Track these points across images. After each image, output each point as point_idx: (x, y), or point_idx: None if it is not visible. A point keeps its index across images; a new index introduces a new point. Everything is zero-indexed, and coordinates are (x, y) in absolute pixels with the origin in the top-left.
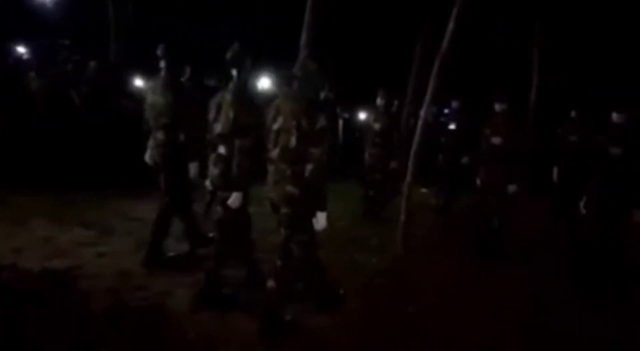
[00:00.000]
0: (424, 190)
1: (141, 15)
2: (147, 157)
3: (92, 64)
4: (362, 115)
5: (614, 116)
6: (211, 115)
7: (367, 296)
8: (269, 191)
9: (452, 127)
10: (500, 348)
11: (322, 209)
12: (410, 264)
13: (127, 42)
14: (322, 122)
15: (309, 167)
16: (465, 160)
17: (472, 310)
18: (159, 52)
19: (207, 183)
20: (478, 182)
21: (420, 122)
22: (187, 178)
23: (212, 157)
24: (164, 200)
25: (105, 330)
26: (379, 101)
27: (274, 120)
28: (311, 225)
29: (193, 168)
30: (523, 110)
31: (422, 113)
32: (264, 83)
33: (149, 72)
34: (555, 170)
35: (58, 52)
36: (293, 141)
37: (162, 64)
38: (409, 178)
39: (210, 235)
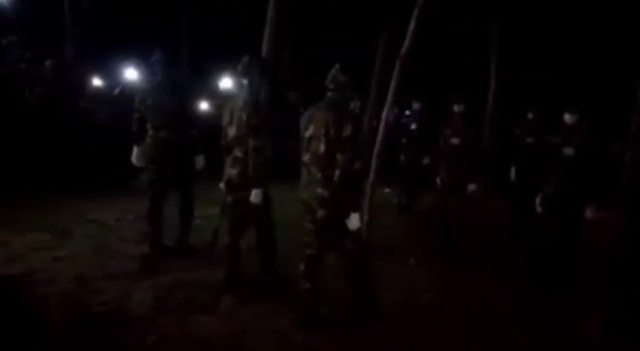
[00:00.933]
0: (386, 190)
1: (97, 13)
2: (135, 158)
3: (48, 63)
4: None
5: (566, 117)
6: (225, 120)
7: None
8: (302, 192)
9: (413, 127)
10: (466, 345)
11: (355, 210)
12: (372, 264)
13: (83, 40)
14: (348, 130)
15: (337, 172)
16: (426, 160)
17: (436, 308)
18: (154, 57)
19: (222, 185)
20: (438, 181)
21: (382, 123)
22: (193, 171)
23: (229, 159)
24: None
25: (62, 336)
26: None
27: (306, 128)
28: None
29: (200, 161)
30: (481, 111)
31: (384, 114)
32: (225, 83)
33: (105, 71)
34: (513, 170)
35: (8, 49)
36: (322, 147)
37: (157, 67)
38: (371, 178)
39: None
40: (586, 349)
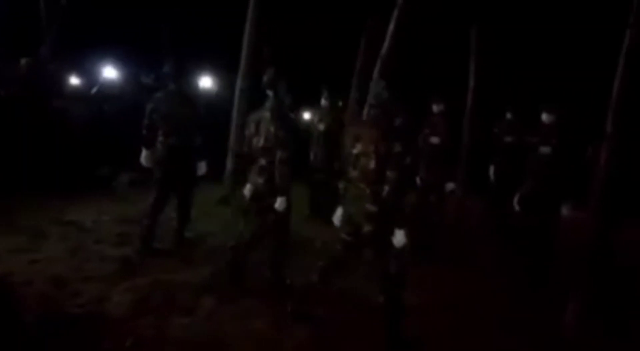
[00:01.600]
0: None
1: (74, 11)
2: (144, 160)
3: (23, 61)
4: (306, 115)
5: (544, 116)
6: (250, 130)
7: (313, 294)
8: (346, 206)
9: None
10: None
11: (401, 227)
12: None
13: (59, 38)
14: (398, 147)
15: (386, 188)
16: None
17: (419, 306)
18: (165, 69)
19: (246, 192)
20: (418, 180)
21: None
22: (195, 175)
23: (254, 168)
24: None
25: (40, 338)
26: (323, 101)
27: (354, 145)
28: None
29: (203, 167)
30: (461, 111)
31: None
32: (205, 82)
33: (83, 70)
34: (491, 169)
35: None
36: (372, 164)
37: (169, 78)
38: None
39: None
40: (561, 344)
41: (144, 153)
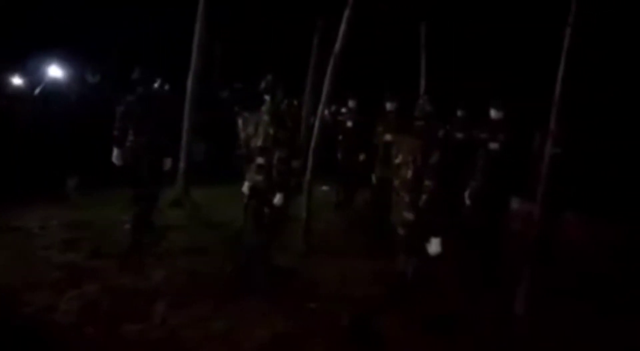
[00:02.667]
0: (324, 187)
1: (15, 8)
2: (115, 158)
3: None
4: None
5: (492, 113)
6: (249, 131)
7: (269, 296)
8: (391, 215)
9: (349, 125)
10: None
11: (436, 235)
12: (313, 261)
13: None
14: (435, 157)
15: (423, 197)
16: (362, 157)
17: (377, 303)
18: (136, 74)
19: (244, 188)
20: (373, 178)
21: (317, 121)
22: (162, 171)
23: (252, 166)
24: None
25: None
26: None
27: (396, 156)
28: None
29: (168, 162)
30: (413, 108)
31: (319, 112)
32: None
33: (26, 70)
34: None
35: None
36: (410, 174)
37: (139, 82)
38: (309, 176)
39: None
40: (512, 324)
41: (115, 152)
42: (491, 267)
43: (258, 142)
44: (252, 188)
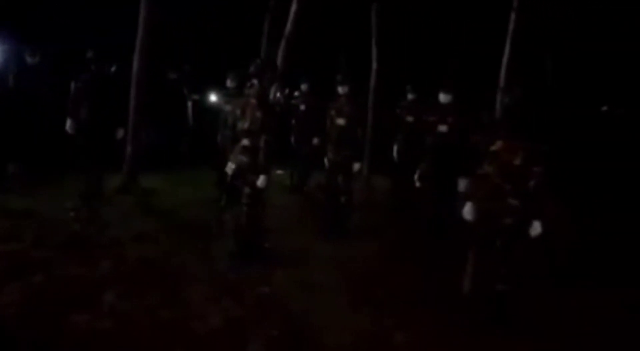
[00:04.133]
0: (278, 171)
1: None
2: (69, 127)
3: None
4: (213, 97)
5: (441, 97)
6: (236, 113)
7: (222, 280)
8: (483, 203)
9: (302, 109)
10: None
11: (539, 218)
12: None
13: None
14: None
15: (531, 183)
16: (315, 140)
17: (331, 283)
18: (89, 55)
19: (228, 169)
20: (326, 161)
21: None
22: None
23: (237, 147)
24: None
25: None
26: (230, 82)
27: (493, 143)
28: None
29: (120, 132)
30: (365, 92)
31: (271, 94)
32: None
33: None
34: (395, 148)
35: None
36: (517, 160)
37: (91, 62)
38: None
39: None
40: (458, 301)
41: (69, 122)
42: (440, 246)
43: (245, 124)
44: (236, 169)
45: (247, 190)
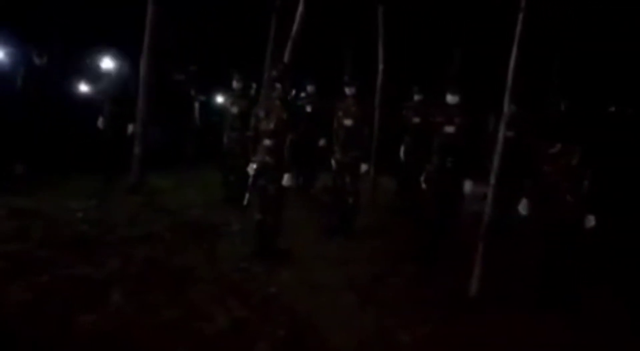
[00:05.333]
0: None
1: None
2: (100, 123)
3: None
4: (219, 99)
5: (448, 98)
6: (260, 114)
7: (228, 280)
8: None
9: (308, 110)
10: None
11: (592, 212)
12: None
13: None
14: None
15: (585, 183)
16: (322, 141)
17: (336, 283)
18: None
19: (250, 169)
20: (333, 162)
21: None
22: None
23: (261, 147)
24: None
25: None
26: (235, 84)
27: (553, 146)
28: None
29: (130, 127)
30: (372, 94)
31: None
32: (107, 63)
33: None
34: (401, 149)
35: None
36: (575, 161)
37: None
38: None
39: None
40: (464, 302)
41: (100, 119)
42: (446, 247)
43: (270, 125)
44: (260, 169)
45: (271, 189)
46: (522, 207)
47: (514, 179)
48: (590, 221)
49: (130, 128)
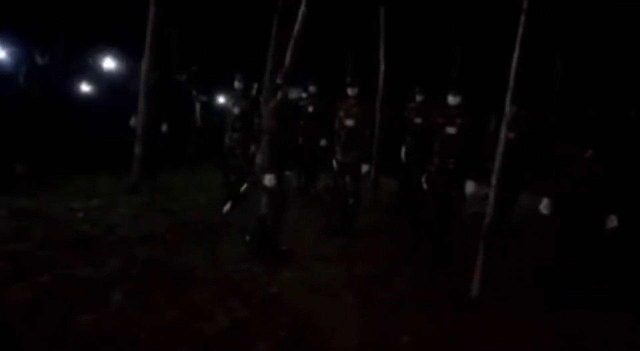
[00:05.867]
0: (286, 172)
1: None
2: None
3: None
4: (220, 99)
5: (450, 99)
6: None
7: (229, 281)
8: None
9: (310, 110)
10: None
11: (614, 212)
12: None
13: None
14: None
15: (604, 183)
16: (323, 142)
17: (337, 284)
18: None
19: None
20: (334, 163)
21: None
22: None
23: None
24: None
25: None
26: (237, 84)
27: (569, 148)
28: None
29: (134, 120)
30: (373, 94)
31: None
32: (108, 63)
33: None
34: (403, 150)
35: None
36: (593, 164)
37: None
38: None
39: None
40: (465, 303)
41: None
42: (443, 248)
43: (261, 126)
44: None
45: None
46: (544, 207)
47: (515, 180)
48: (613, 221)
49: (134, 120)
